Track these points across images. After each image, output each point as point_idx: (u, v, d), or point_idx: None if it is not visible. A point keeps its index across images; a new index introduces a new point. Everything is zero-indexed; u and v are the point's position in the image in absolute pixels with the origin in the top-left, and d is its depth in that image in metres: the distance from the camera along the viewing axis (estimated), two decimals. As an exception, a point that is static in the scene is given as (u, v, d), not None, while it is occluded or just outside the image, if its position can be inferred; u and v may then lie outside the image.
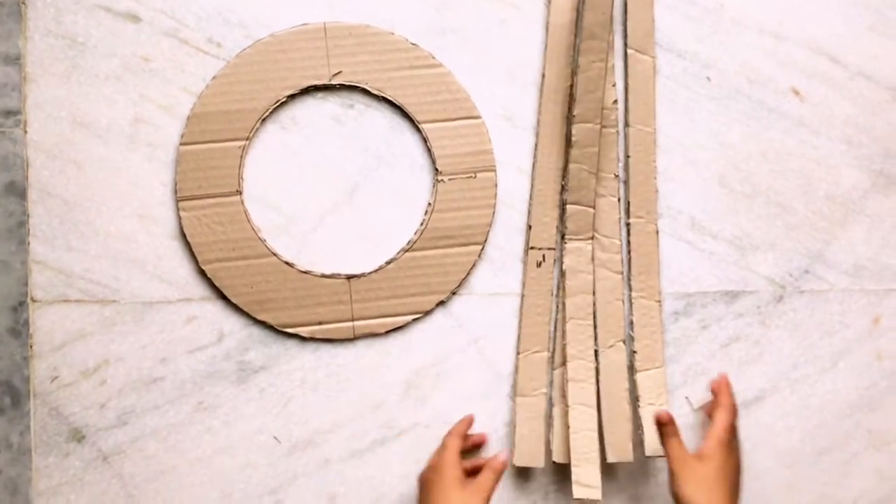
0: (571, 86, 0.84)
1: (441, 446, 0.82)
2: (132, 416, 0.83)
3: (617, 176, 0.86)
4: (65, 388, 0.83)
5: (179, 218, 0.83)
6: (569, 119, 0.84)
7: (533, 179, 0.86)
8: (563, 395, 0.85)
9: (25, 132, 0.82)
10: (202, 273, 0.83)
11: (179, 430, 0.84)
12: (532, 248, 0.86)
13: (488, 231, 0.85)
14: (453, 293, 0.86)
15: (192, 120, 0.83)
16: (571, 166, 0.84)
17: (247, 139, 0.84)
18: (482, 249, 0.86)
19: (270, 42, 0.84)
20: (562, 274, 0.85)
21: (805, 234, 0.88)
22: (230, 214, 0.83)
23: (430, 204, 0.85)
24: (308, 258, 0.85)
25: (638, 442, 0.85)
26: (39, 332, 0.82)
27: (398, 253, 0.85)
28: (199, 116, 0.83)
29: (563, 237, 0.85)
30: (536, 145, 0.86)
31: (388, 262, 0.85)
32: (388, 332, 0.85)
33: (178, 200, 0.83)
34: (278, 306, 0.84)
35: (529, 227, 0.86)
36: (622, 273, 0.86)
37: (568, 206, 0.85)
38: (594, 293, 0.85)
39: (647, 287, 0.86)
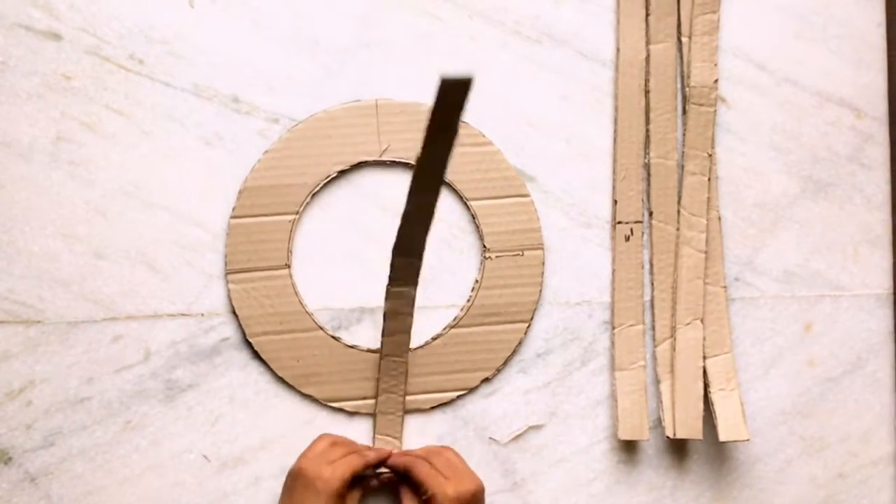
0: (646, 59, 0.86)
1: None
2: (59, 436, 0.83)
3: (710, 155, 0.85)
4: (-9, 409, 0.82)
5: (228, 290, 0.83)
6: (646, 92, 0.85)
7: (615, 153, 0.86)
8: (671, 370, 0.85)
9: (-55, 152, 0.81)
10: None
11: (107, 450, 0.83)
12: (619, 222, 0.86)
13: (534, 309, 0.85)
14: (498, 370, 0.85)
15: (243, 193, 0.83)
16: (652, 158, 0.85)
17: (297, 213, 0.83)
18: (528, 327, 0.85)
19: (322, 118, 0.83)
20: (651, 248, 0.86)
21: (734, 241, 0.88)
22: (279, 288, 0.83)
23: (477, 281, 0.85)
24: (355, 332, 0.85)
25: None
26: (-36, 353, 0.82)
27: (444, 329, 0.85)
28: (250, 190, 0.83)
29: (650, 212, 0.86)
30: (616, 119, 0.86)
31: (433, 339, 0.85)
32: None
33: (227, 273, 0.83)
34: (324, 380, 0.84)
35: (615, 202, 0.86)
36: (705, 252, 0.85)
37: (651, 190, 0.86)
38: (675, 270, 0.85)
39: (713, 273, 0.86)
